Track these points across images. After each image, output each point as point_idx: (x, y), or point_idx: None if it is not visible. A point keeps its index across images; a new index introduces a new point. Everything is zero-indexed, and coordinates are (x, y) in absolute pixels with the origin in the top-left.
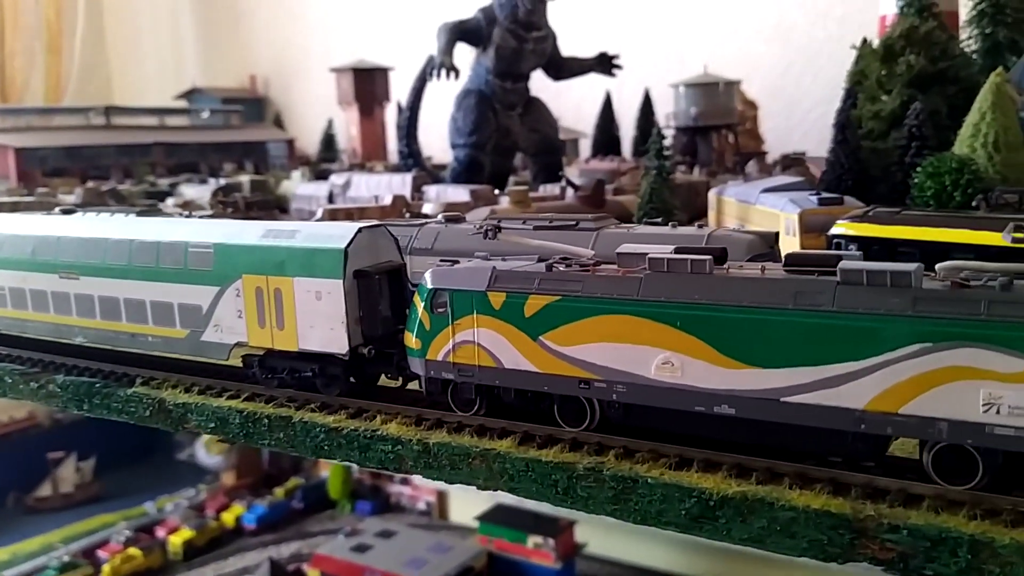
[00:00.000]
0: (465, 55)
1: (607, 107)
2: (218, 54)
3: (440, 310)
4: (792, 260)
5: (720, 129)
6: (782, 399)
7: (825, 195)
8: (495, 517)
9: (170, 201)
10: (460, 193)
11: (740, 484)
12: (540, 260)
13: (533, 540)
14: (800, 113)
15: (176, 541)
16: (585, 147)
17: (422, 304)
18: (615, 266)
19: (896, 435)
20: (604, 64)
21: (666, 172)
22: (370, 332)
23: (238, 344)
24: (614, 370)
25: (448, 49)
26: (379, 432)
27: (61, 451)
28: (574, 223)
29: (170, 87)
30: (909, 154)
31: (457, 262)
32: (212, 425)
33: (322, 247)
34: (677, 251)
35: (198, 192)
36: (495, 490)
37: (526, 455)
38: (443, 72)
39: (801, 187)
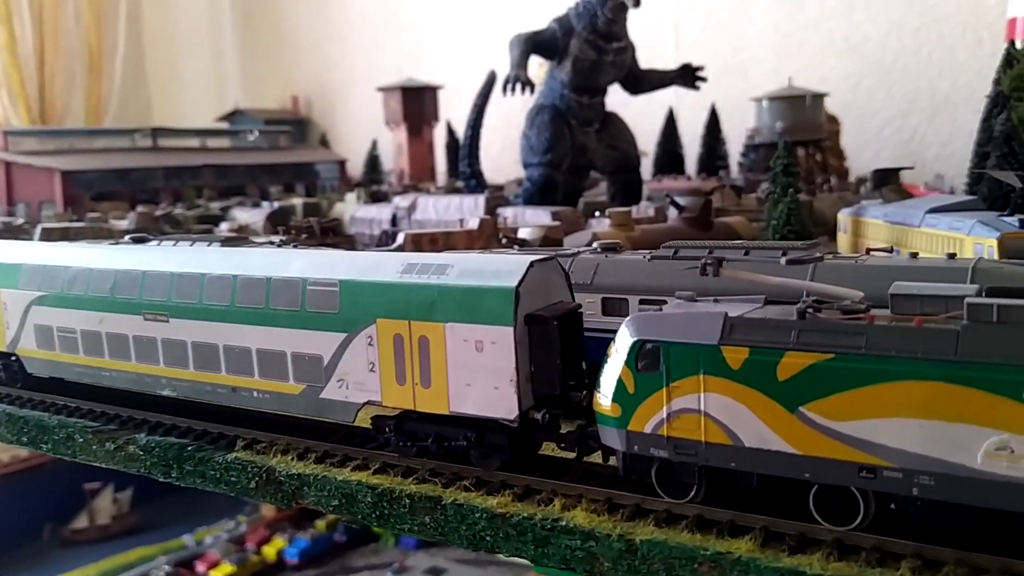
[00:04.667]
0: (533, 68)
1: (670, 124)
2: (259, 75)
3: (648, 368)
4: None
5: (807, 145)
6: None
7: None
8: None
9: (224, 226)
10: (540, 215)
11: None
12: (769, 303)
13: None
14: (873, 129)
15: None
16: (645, 165)
17: (623, 359)
18: (887, 312)
19: None
20: (687, 76)
21: (796, 191)
22: (544, 391)
23: (369, 403)
24: (917, 455)
25: (522, 62)
26: (561, 522)
27: (97, 481)
28: (781, 252)
29: (211, 109)
30: None
31: (626, 301)
32: (336, 503)
33: (486, 286)
34: (992, 293)
35: (251, 216)
36: None
37: (779, 563)
38: (517, 86)
39: (974, 207)
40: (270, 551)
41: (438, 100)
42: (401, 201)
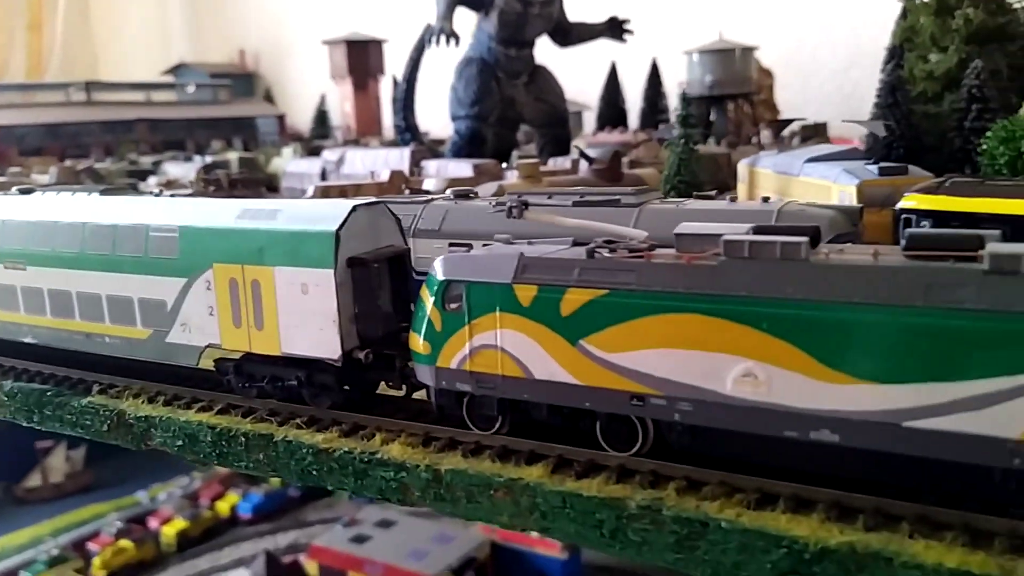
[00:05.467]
0: (467, 22)
1: (612, 78)
2: (206, 28)
3: (454, 307)
4: (916, 242)
5: (736, 98)
6: (905, 424)
7: (886, 163)
8: None
9: (152, 180)
10: (462, 168)
11: (844, 532)
12: (577, 244)
13: None
14: (816, 83)
15: (169, 532)
16: (589, 120)
17: (431, 299)
18: (673, 251)
19: None
20: (615, 29)
21: (693, 142)
22: (367, 333)
23: (210, 346)
24: (678, 383)
25: (448, 14)
26: (378, 455)
27: (50, 440)
28: (614, 198)
29: (157, 63)
30: (969, 118)
31: (470, 246)
32: (180, 443)
33: (309, 230)
34: (757, 231)
35: (183, 170)
36: (524, 529)
37: (562, 487)
38: (443, 39)
39: (852, 156)
40: (223, 506)
41: (383, 54)
42: (330, 155)
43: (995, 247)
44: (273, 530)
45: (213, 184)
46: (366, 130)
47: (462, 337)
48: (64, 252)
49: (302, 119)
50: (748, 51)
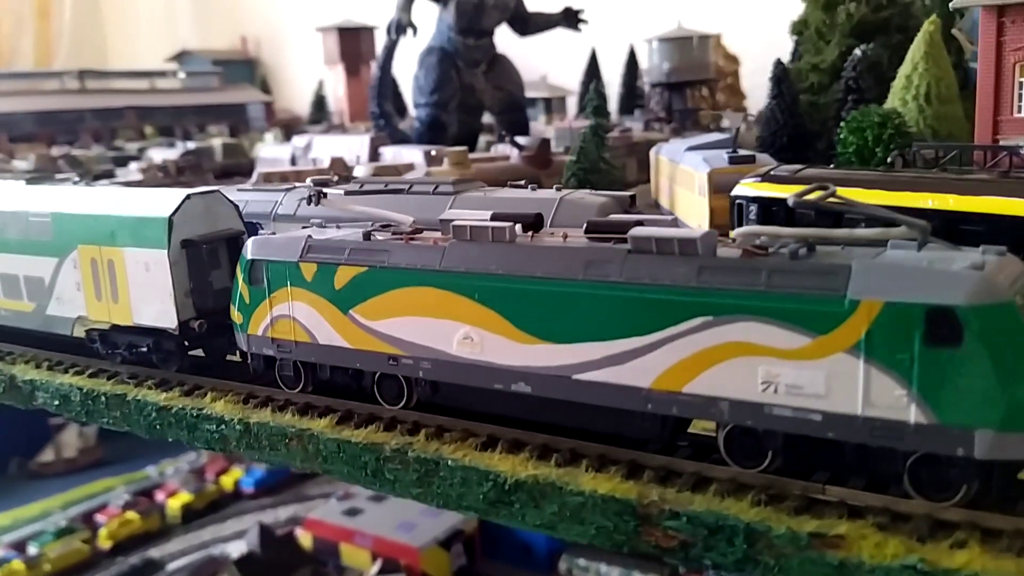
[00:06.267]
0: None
1: (593, 63)
2: (212, 15)
3: (257, 282)
4: (594, 227)
5: (695, 85)
6: (574, 377)
7: (736, 153)
8: None
9: (133, 166)
10: (414, 154)
11: (536, 467)
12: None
13: None
14: None
15: (174, 505)
16: (572, 104)
17: (242, 275)
18: (439, 233)
19: (681, 415)
20: (570, 19)
21: (602, 130)
22: (202, 305)
23: (79, 318)
24: (419, 345)
25: (406, 5)
26: (205, 411)
27: (61, 416)
28: (434, 186)
29: (165, 49)
30: (845, 108)
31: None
32: (56, 403)
33: (147, 216)
34: (492, 217)
35: (166, 156)
36: (312, 472)
37: (339, 436)
38: (401, 30)
39: (722, 145)
40: (227, 481)
41: (375, 41)
42: (299, 141)
43: (637, 231)
44: (274, 504)
45: (162, 172)
46: (358, 115)
47: (265, 308)
48: None
49: (301, 104)
50: (706, 38)
